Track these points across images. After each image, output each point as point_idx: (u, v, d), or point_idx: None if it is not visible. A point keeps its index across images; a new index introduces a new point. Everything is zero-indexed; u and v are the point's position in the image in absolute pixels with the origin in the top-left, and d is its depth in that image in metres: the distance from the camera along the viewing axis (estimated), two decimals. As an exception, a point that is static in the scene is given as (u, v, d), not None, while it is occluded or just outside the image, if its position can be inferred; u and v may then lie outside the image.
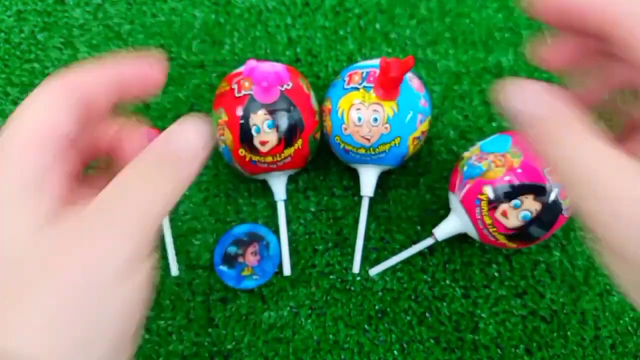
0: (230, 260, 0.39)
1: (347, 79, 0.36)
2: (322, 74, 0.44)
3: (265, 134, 0.35)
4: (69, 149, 0.21)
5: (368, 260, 0.39)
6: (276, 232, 0.40)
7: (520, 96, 0.19)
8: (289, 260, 0.39)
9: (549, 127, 0.18)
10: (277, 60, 0.44)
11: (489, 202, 0.33)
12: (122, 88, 0.23)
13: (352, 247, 0.39)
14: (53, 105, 0.20)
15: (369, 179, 0.38)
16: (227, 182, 0.41)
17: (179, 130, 0.21)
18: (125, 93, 0.23)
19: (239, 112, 0.35)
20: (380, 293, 0.38)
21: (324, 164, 0.42)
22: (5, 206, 0.18)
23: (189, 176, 0.21)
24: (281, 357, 0.37)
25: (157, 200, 0.20)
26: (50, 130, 0.20)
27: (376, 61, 0.36)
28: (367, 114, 0.35)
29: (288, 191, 0.41)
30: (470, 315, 0.38)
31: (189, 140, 0.21)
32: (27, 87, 0.43)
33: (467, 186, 0.34)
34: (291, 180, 0.41)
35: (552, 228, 0.34)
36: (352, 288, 0.39)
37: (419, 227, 0.40)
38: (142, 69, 0.23)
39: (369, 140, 0.35)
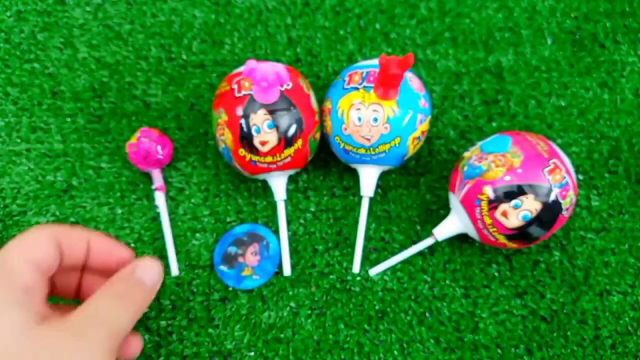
0: (230, 260, 0.39)
1: (347, 79, 0.36)
2: (322, 74, 0.44)
3: (265, 134, 0.35)
4: (47, 277, 0.26)
5: (368, 260, 0.39)
6: (276, 232, 0.40)
7: None
8: (289, 260, 0.39)
9: None
10: (277, 60, 0.44)
11: (489, 202, 0.33)
12: (92, 250, 0.29)
13: (352, 247, 0.39)
14: (41, 241, 0.26)
15: (369, 179, 0.38)
16: (227, 182, 0.41)
17: (145, 264, 0.28)
18: (94, 256, 0.29)
19: (239, 112, 0.35)
20: (380, 293, 0.38)
21: (324, 164, 0.42)
22: (1, 308, 0.23)
23: (149, 301, 0.27)
24: (281, 357, 0.37)
25: (125, 320, 0.25)
26: (39, 259, 0.25)
27: (376, 61, 0.36)
28: (367, 114, 0.35)
29: (288, 191, 0.41)
30: (470, 315, 0.38)
31: (154, 271, 0.28)
32: (27, 87, 0.43)
33: (467, 186, 0.34)
34: (291, 180, 0.41)
35: (552, 228, 0.34)
36: (352, 288, 0.39)
37: (419, 227, 0.40)
38: (111, 246, 0.30)
39: (369, 140, 0.35)
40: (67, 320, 0.24)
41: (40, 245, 0.26)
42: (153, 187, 0.39)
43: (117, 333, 0.25)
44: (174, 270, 0.38)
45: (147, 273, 0.28)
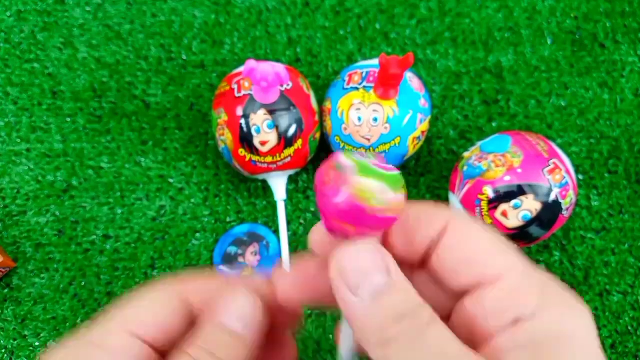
0: (230, 260, 0.39)
1: (347, 79, 0.36)
2: (322, 74, 0.44)
3: (265, 134, 0.35)
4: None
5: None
6: (276, 232, 0.40)
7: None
8: (289, 260, 0.39)
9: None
10: (277, 60, 0.44)
11: (489, 202, 0.33)
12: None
13: (352, 247, 0.39)
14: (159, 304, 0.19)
15: (369, 179, 0.38)
16: (227, 182, 0.41)
17: (229, 303, 0.19)
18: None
19: (239, 112, 0.35)
20: (380, 293, 0.38)
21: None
22: None
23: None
24: (281, 357, 0.37)
25: None
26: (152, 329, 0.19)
27: (376, 61, 0.36)
28: (367, 114, 0.35)
29: (288, 191, 0.41)
30: (470, 315, 0.38)
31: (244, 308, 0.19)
32: (27, 87, 0.43)
33: (467, 186, 0.34)
34: (291, 180, 0.41)
35: (552, 228, 0.34)
36: (352, 288, 0.39)
37: (419, 227, 0.40)
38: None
39: (369, 140, 0.35)
40: None
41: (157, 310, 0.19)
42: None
43: None
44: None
45: (234, 313, 0.19)
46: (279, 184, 0.38)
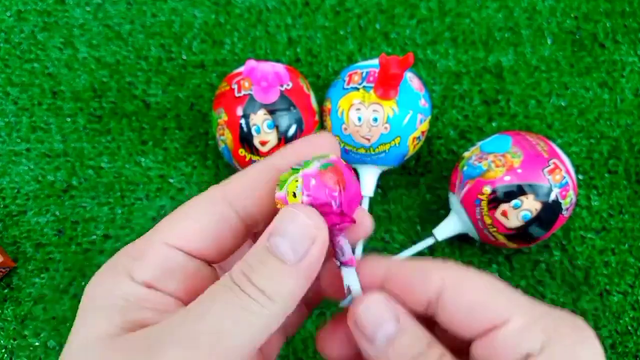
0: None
1: (347, 79, 0.36)
2: (322, 74, 0.44)
3: (265, 134, 0.35)
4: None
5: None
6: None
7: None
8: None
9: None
10: (277, 60, 0.44)
11: (489, 202, 0.33)
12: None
13: (352, 247, 0.39)
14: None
15: (369, 179, 0.38)
16: (227, 182, 0.41)
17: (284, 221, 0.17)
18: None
19: (239, 112, 0.35)
20: (380, 293, 0.38)
21: (324, 164, 0.42)
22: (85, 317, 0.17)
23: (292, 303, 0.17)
24: (281, 357, 0.37)
25: (251, 332, 0.16)
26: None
27: (376, 61, 0.36)
28: (367, 114, 0.35)
29: (288, 191, 0.41)
30: (470, 315, 0.38)
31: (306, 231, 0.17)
32: (27, 87, 0.43)
33: (467, 186, 0.34)
34: (291, 180, 0.41)
35: (552, 228, 0.33)
36: (352, 288, 0.39)
37: (419, 227, 0.40)
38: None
39: (368, 140, 0.35)
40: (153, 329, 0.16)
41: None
42: (342, 259, 0.21)
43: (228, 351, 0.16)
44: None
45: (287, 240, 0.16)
46: (279, 184, 0.38)
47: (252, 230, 0.20)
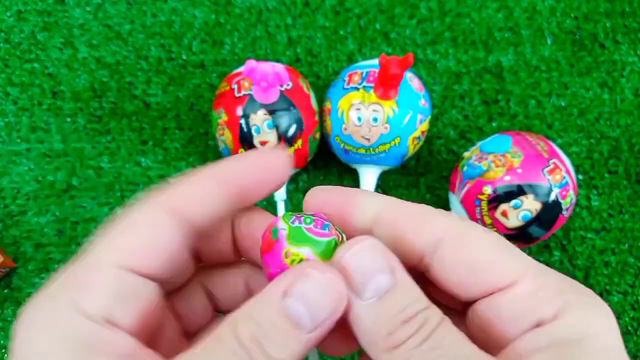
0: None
1: (347, 79, 0.36)
2: (322, 74, 0.44)
3: (265, 134, 0.35)
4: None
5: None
6: (276, 232, 0.39)
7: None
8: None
9: None
10: (277, 60, 0.44)
11: (489, 202, 0.33)
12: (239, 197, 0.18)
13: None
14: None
15: (369, 179, 0.38)
16: (227, 182, 0.41)
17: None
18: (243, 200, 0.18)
19: (239, 112, 0.35)
20: (380, 293, 0.38)
21: (324, 164, 0.42)
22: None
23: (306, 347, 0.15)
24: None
25: None
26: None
27: (376, 61, 0.36)
28: (367, 114, 0.35)
29: (288, 191, 0.41)
30: (470, 315, 0.38)
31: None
32: (27, 87, 0.43)
33: (467, 186, 0.34)
34: (291, 180, 0.41)
35: (552, 228, 0.34)
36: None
37: (419, 227, 0.40)
38: (263, 165, 0.18)
39: (368, 140, 0.35)
40: None
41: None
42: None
43: None
44: None
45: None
46: (279, 184, 0.38)
47: (202, 240, 0.18)
